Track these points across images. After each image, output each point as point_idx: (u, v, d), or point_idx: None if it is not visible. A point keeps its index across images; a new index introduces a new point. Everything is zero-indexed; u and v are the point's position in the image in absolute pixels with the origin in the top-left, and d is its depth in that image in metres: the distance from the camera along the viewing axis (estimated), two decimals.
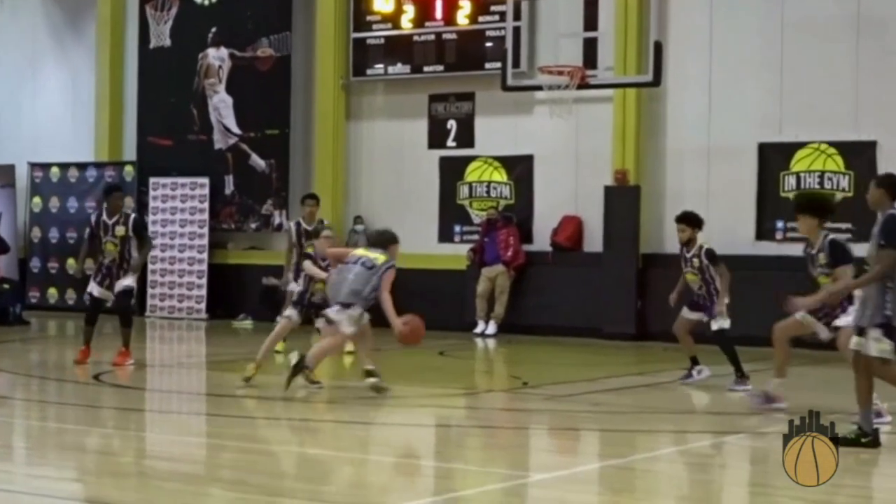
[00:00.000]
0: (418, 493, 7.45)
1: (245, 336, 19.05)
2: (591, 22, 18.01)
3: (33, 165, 23.05)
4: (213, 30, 21.65)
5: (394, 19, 20.02)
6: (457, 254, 19.30)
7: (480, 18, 19.31)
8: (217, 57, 21.64)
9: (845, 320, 10.42)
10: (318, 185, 20.63)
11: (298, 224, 15.55)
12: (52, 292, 22.82)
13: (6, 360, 14.72)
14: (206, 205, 21.39)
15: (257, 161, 21.21)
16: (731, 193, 17.32)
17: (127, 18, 22.69)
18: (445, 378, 13.74)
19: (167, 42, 22.10)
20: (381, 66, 20.23)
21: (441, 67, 19.66)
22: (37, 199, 23.06)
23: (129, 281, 13.92)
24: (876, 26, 16.95)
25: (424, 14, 19.74)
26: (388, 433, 10.12)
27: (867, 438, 8.78)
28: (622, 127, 18.16)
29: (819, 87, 17.17)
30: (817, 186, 17.17)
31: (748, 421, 9.92)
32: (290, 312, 12.76)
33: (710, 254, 12.46)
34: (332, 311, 11.51)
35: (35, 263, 22.95)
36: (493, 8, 19.09)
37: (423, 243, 19.82)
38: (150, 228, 21.85)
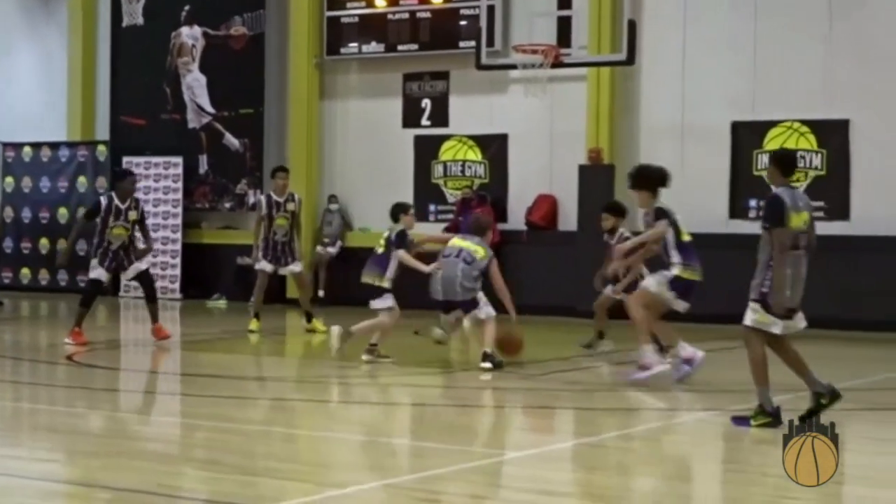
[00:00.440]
0: (393, 472, 7.47)
1: (219, 315, 19.04)
2: (564, 1, 18.04)
3: (5, 145, 22.92)
4: (186, 8, 21.56)
5: None
6: (431, 233, 19.28)
7: None
8: (190, 35, 21.54)
9: (647, 281, 11.27)
10: (292, 165, 20.58)
11: (269, 197, 15.54)
12: (25, 272, 22.73)
13: None
14: (179, 184, 21.33)
15: (231, 140, 21.15)
16: (704, 172, 17.40)
17: None
18: (420, 357, 13.74)
19: (140, 21, 21.98)
20: (355, 44, 20.18)
21: (415, 46, 19.63)
22: (9, 179, 22.94)
23: (145, 265, 14.25)
24: (848, 5, 17.04)
25: None
26: (363, 412, 10.14)
27: (766, 419, 8.83)
28: (596, 106, 18.19)
29: (792, 66, 17.24)
30: None
31: (722, 398, 9.98)
32: (390, 303, 12.50)
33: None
34: (480, 313, 11.98)
35: (8, 244, 22.86)
36: None
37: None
38: None
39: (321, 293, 20.06)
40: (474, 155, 19.43)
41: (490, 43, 17.72)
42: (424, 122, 19.85)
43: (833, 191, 17.04)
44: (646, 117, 18.21)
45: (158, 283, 21.34)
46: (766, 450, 8.32)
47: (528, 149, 18.85)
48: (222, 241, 21.30)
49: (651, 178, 11.33)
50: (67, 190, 22.37)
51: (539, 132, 18.80)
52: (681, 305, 11.10)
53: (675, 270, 11.04)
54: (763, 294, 8.81)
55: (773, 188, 9.09)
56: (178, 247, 21.29)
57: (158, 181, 21.49)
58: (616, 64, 17.44)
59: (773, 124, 17.37)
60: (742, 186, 17.55)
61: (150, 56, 21.77)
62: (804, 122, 17.20)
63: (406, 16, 19.69)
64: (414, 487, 6.91)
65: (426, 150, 19.77)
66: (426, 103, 19.83)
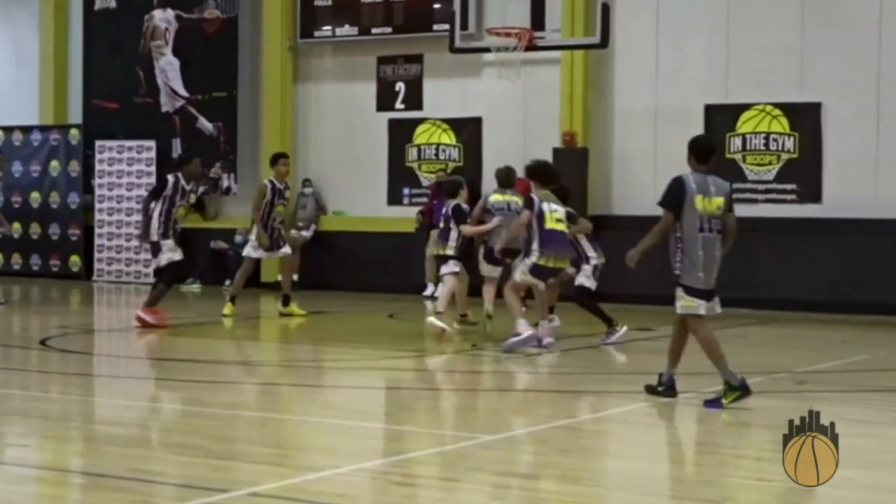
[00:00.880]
0: (367, 455, 7.48)
1: (193, 300, 18.99)
2: None
3: None
4: None
5: None
6: (406, 216, 19.31)
7: None
8: (163, 18, 21.42)
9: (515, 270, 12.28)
10: (266, 148, 20.54)
11: (273, 183, 15.42)
12: None
13: None
14: (153, 168, 21.24)
15: (205, 124, 21.06)
16: (677, 155, 17.07)
17: None
18: (395, 340, 13.76)
19: (112, 4, 21.84)
20: (328, 27, 20.12)
21: (389, 29, 19.59)
22: None
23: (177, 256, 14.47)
24: None
25: None
26: (338, 396, 10.15)
27: (735, 393, 9.00)
28: (570, 89, 18.20)
29: (765, 50, 17.30)
30: (763, 148, 17.33)
31: (695, 381, 10.02)
32: (455, 269, 13.45)
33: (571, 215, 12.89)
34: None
35: None
36: None
37: (372, 206, 19.85)
38: (97, 192, 21.73)
39: (295, 277, 20.00)
40: (448, 138, 19.43)
41: (464, 26, 17.72)
42: (398, 105, 19.82)
43: (805, 174, 17.12)
44: (619, 101, 18.24)
45: (132, 268, 21.34)
46: (741, 431, 8.40)
47: (502, 132, 18.86)
48: (196, 225, 21.15)
49: (532, 171, 12.48)
50: (40, 174, 22.24)
51: (513, 115, 18.81)
52: (541, 285, 12.26)
53: (533, 258, 11.97)
54: (677, 277, 9.01)
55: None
56: None
57: (132, 165, 21.40)
58: (590, 47, 17.46)
59: (745, 107, 17.43)
60: (715, 169, 17.49)
61: (123, 39, 21.64)
62: (777, 106, 17.26)
63: None
64: (389, 471, 6.93)
65: (400, 134, 19.75)
66: (400, 87, 19.80)
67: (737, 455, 7.59)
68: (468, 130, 19.23)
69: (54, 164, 22.06)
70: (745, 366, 11.37)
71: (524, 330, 12.04)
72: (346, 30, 19.97)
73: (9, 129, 22.50)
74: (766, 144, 17.31)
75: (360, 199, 20.05)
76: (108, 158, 21.54)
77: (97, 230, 21.54)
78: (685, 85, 17.75)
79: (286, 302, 15.56)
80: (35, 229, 22.30)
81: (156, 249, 14.30)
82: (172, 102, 21.36)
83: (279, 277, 16.08)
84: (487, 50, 17.53)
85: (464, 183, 14.17)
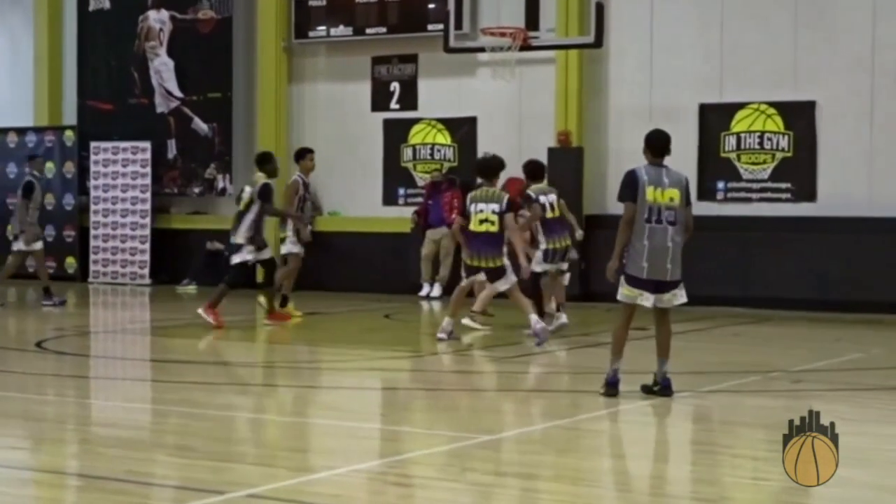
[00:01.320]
0: (364, 456, 7.50)
1: (189, 301, 18.98)
2: None
3: None
4: None
5: None
6: (401, 216, 19.32)
7: None
8: (157, 19, 21.42)
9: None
10: (260, 149, 20.53)
11: (302, 178, 15.36)
12: None
13: None
14: (148, 169, 21.24)
15: (200, 125, 21.06)
16: (672, 154, 17.18)
17: None
18: (391, 341, 13.78)
19: (107, 4, 21.83)
20: (323, 28, 20.13)
21: (384, 29, 19.60)
22: None
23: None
24: None
25: None
26: (334, 396, 10.16)
27: (605, 388, 9.24)
28: (564, 88, 18.22)
29: (759, 48, 17.33)
30: (757, 147, 17.35)
31: (692, 380, 10.05)
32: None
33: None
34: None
35: None
36: None
37: (367, 206, 19.85)
38: (92, 193, 21.71)
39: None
40: (443, 138, 19.44)
41: (458, 26, 17.74)
42: (393, 105, 19.83)
43: (800, 172, 17.15)
44: (614, 100, 18.26)
45: (128, 269, 21.33)
46: (737, 430, 8.40)
47: (498, 132, 18.86)
48: (192, 226, 21.23)
49: (491, 168, 13.14)
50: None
51: (508, 115, 18.83)
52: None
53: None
54: (624, 265, 9.18)
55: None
56: (147, 232, 21.20)
57: (127, 166, 21.39)
58: (584, 47, 17.48)
59: (740, 106, 17.45)
60: (710, 168, 17.63)
61: (118, 40, 21.63)
62: (771, 104, 17.29)
63: None
64: (386, 472, 6.95)
65: (395, 134, 19.76)
66: (395, 87, 19.81)
67: (733, 454, 7.61)
68: (463, 130, 19.24)
69: (49, 165, 22.03)
70: (740, 364, 11.45)
71: (536, 322, 12.43)
72: (341, 30, 19.97)
73: (3, 131, 22.49)
74: (761, 143, 17.34)
75: (355, 199, 20.05)
76: (104, 160, 21.53)
77: (92, 231, 21.54)
78: (680, 84, 17.77)
79: (284, 303, 15.54)
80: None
81: (236, 249, 14.30)
82: (167, 103, 21.36)
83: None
84: (482, 50, 17.54)
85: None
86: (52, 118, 22.43)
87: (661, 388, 9.27)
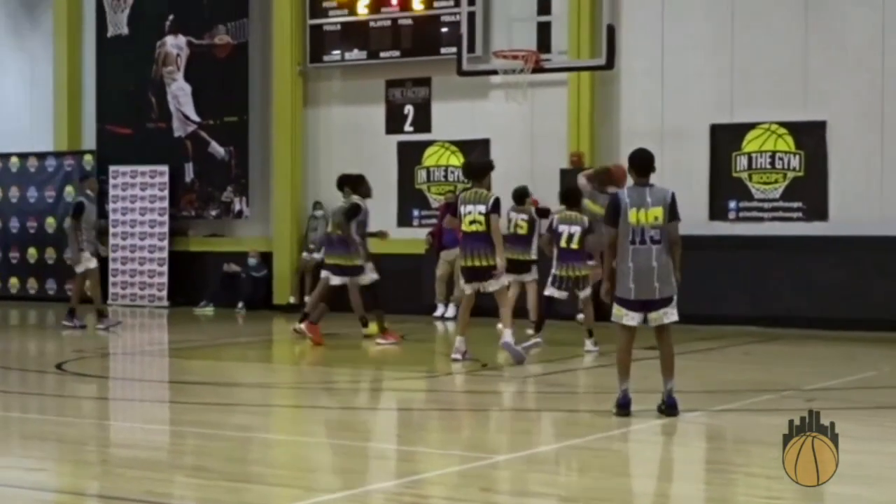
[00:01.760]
0: (379, 477, 7.56)
1: (206, 323, 19.11)
2: (544, 6, 18.21)
3: None
4: (171, 17, 21.65)
5: (350, 5, 20.10)
6: (416, 238, 19.42)
7: (436, 4, 19.44)
8: (175, 45, 21.63)
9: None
10: (276, 172, 20.75)
11: (360, 201, 15.43)
12: (14, 282, 22.81)
13: None
14: (165, 192, 21.42)
15: (216, 148, 21.24)
16: (684, 174, 17.53)
17: (84, 6, 22.64)
18: (406, 361, 13.86)
19: (125, 30, 22.07)
20: (337, 52, 20.30)
21: (397, 53, 19.76)
22: None
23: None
24: (823, 7, 17.21)
25: (380, 0, 19.83)
26: (349, 417, 10.22)
27: (616, 409, 9.35)
28: (577, 110, 18.33)
29: (769, 69, 17.41)
30: (769, 166, 17.43)
31: (704, 399, 10.12)
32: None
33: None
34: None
35: None
36: None
37: (382, 227, 19.90)
38: (111, 217, 21.90)
39: (307, 299, 20.14)
40: (457, 160, 19.55)
41: (471, 49, 17.88)
42: (407, 128, 19.97)
43: (811, 191, 17.21)
44: (626, 121, 18.35)
45: (146, 291, 21.49)
46: (750, 449, 8.39)
47: (510, 153, 18.95)
48: (209, 248, 21.39)
49: (478, 169, 13.35)
50: (55, 199, 22.45)
51: (520, 137, 18.94)
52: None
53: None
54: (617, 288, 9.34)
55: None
56: (165, 255, 21.38)
57: (145, 189, 21.58)
58: (596, 69, 17.59)
59: (751, 126, 17.53)
60: (721, 188, 17.71)
61: (136, 65, 21.85)
62: (782, 124, 17.37)
63: (388, 23, 19.82)
64: (401, 492, 6.98)
65: (409, 156, 19.89)
66: (409, 109, 19.96)
67: (747, 473, 7.62)
68: (476, 152, 19.34)
69: (69, 189, 22.25)
70: (753, 383, 11.49)
71: (508, 337, 12.74)
72: (355, 54, 20.15)
73: (24, 156, 22.71)
74: (772, 163, 17.41)
75: (371, 221, 20.14)
76: (122, 183, 21.73)
77: (111, 254, 21.72)
78: (691, 105, 17.87)
79: (365, 323, 15.46)
80: (50, 254, 22.49)
81: (359, 271, 14.63)
82: (184, 127, 21.56)
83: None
84: (495, 72, 17.66)
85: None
86: (72, 143, 22.64)
87: (667, 408, 9.34)
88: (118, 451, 8.48)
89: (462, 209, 12.81)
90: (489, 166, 13.39)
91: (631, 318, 9.26)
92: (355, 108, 20.40)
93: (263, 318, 19.22)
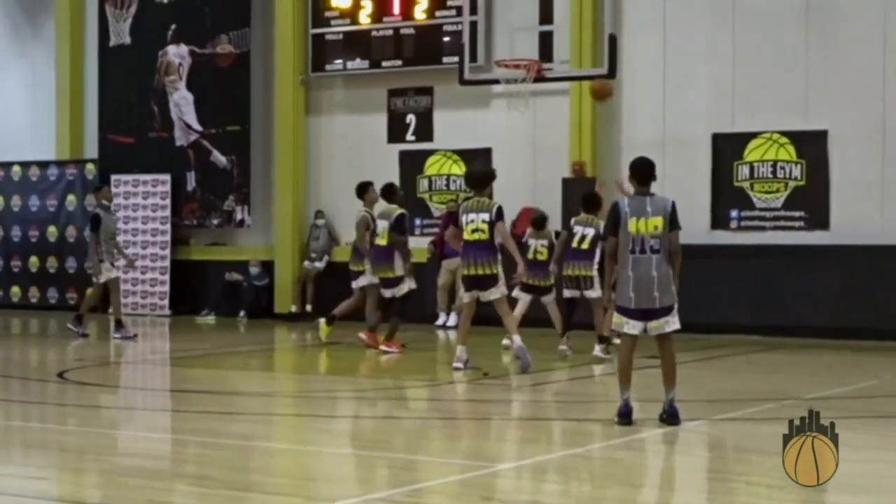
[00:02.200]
0: (380, 485, 7.57)
1: (208, 331, 19.13)
2: (546, 15, 18.23)
3: None
4: (173, 27, 21.69)
5: (352, 15, 20.15)
6: (417, 247, 19.36)
7: (437, 13, 19.48)
8: (177, 54, 21.68)
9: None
10: (278, 181, 20.78)
11: (369, 212, 15.49)
12: (16, 290, 22.83)
13: None
14: (167, 201, 21.44)
15: (218, 157, 21.27)
16: (686, 184, 17.56)
17: (86, 16, 22.69)
18: (407, 370, 13.87)
19: (127, 40, 22.11)
20: (339, 61, 20.34)
21: (399, 62, 19.79)
22: None
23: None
24: (824, 16, 17.24)
25: (382, 9, 19.88)
26: (351, 426, 10.24)
27: (618, 418, 9.35)
28: (578, 119, 18.36)
29: (771, 78, 17.44)
30: (770, 175, 17.45)
31: (706, 408, 10.12)
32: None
33: None
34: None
35: None
36: (449, 3, 19.26)
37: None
38: None
39: (308, 308, 20.21)
40: (458, 169, 19.58)
41: (473, 58, 17.92)
42: (409, 137, 20.01)
43: (812, 201, 17.23)
44: (627, 130, 18.38)
45: (148, 300, 21.50)
46: (752, 458, 8.40)
47: (512, 162, 18.98)
48: (210, 257, 21.41)
49: (482, 179, 13.29)
50: (56, 208, 22.48)
51: (522, 146, 18.97)
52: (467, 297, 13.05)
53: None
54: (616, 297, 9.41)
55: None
56: (167, 263, 21.40)
57: (147, 198, 21.61)
58: (598, 78, 17.58)
59: (752, 136, 17.56)
60: (723, 197, 17.73)
61: (138, 75, 21.90)
62: (783, 134, 17.39)
63: (390, 32, 19.86)
64: (402, 501, 6.98)
65: (411, 165, 19.92)
66: (411, 118, 19.99)
67: (748, 482, 7.62)
68: (478, 161, 19.35)
69: (71, 198, 22.29)
70: (755, 392, 11.50)
71: (518, 343, 12.74)
72: (357, 63, 20.19)
73: (26, 164, 22.74)
74: (774, 172, 17.44)
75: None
76: (124, 192, 21.75)
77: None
78: (692, 114, 17.89)
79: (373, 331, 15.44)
80: (52, 263, 22.51)
81: (398, 282, 14.65)
82: (186, 136, 21.59)
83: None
84: (497, 82, 17.70)
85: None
86: (74, 152, 22.67)
87: (668, 417, 9.34)
88: (120, 460, 8.50)
89: (464, 218, 12.82)
90: (491, 175, 13.39)
91: (631, 327, 9.27)
92: (357, 118, 20.43)
93: (265, 327, 19.24)
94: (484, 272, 12.70)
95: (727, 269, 17.12)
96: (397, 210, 14.88)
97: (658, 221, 9.27)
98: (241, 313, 20.43)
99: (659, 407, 9.45)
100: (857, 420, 9.96)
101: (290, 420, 10.56)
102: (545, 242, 14.64)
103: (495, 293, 12.78)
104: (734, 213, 17.64)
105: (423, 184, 19.88)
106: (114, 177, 21.79)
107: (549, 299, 14.57)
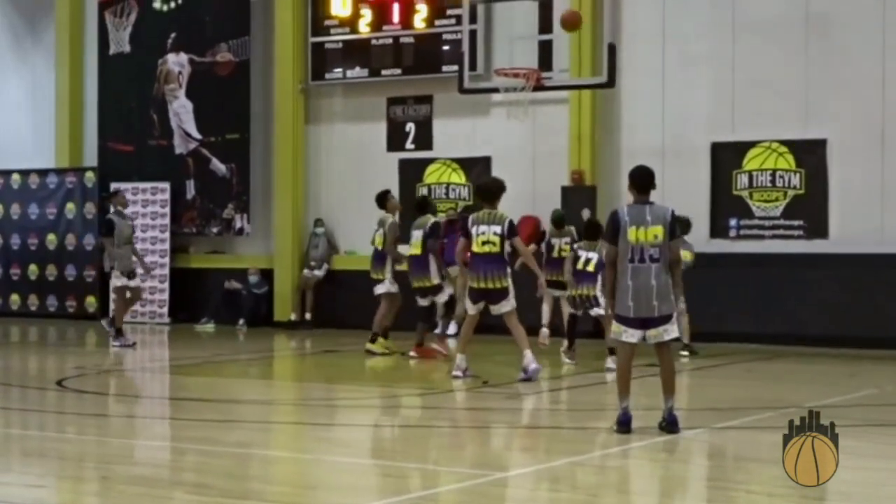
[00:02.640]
0: (380, 494, 7.57)
1: (207, 339, 19.12)
2: (545, 24, 18.23)
3: None
4: (173, 35, 21.71)
5: (352, 23, 20.17)
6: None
7: (437, 22, 19.49)
8: (176, 62, 21.70)
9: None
10: (278, 189, 20.79)
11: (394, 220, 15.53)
12: (15, 298, 22.82)
13: None
14: (167, 209, 21.45)
15: (218, 165, 21.28)
16: (685, 192, 17.55)
17: (86, 25, 22.71)
18: (406, 378, 13.87)
19: (127, 48, 22.13)
20: (339, 69, 20.36)
21: (399, 71, 19.81)
22: None
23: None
24: (824, 25, 17.26)
25: (382, 18, 19.90)
26: (350, 434, 10.24)
27: (617, 426, 9.38)
28: (578, 128, 18.37)
29: (770, 87, 17.46)
30: (769, 184, 17.46)
31: (706, 416, 10.12)
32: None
33: None
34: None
35: None
36: (449, 11, 19.26)
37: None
38: None
39: (308, 316, 20.21)
40: (458, 178, 19.60)
41: (472, 67, 17.94)
42: (409, 145, 20.02)
43: (812, 209, 17.24)
44: (627, 139, 18.39)
45: (147, 308, 21.50)
46: (751, 467, 8.41)
47: (511, 171, 18.89)
48: (210, 265, 21.41)
49: (492, 190, 13.15)
50: (56, 216, 22.48)
51: (522, 154, 18.97)
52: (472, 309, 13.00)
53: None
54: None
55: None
56: (167, 271, 21.40)
57: (146, 206, 21.61)
58: (597, 87, 17.62)
59: (752, 145, 17.57)
60: (722, 206, 17.74)
61: (137, 83, 21.91)
62: (782, 143, 17.41)
63: (389, 41, 19.88)
64: None
65: (411, 174, 19.92)
66: (410, 127, 20.01)
67: (747, 490, 7.62)
68: (478, 170, 19.38)
69: (70, 206, 22.30)
70: (754, 400, 11.50)
71: (529, 359, 12.64)
72: (357, 72, 20.21)
73: (25, 172, 22.75)
74: (773, 181, 17.45)
75: (371, 238, 20.18)
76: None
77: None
78: (692, 123, 17.91)
79: (374, 339, 15.53)
80: (51, 271, 22.51)
81: (436, 290, 14.78)
82: (186, 144, 21.61)
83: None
84: (496, 90, 17.72)
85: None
86: (73, 160, 22.68)
87: (667, 425, 9.34)
88: (118, 468, 8.49)
89: (475, 230, 12.75)
90: (502, 188, 13.24)
91: (630, 335, 9.28)
92: (357, 126, 20.45)
93: (264, 335, 19.23)
94: (494, 286, 12.66)
95: (726, 277, 17.13)
96: (431, 219, 15.09)
97: (658, 230, 9.28)
98: (241, 321, 20.43)
99: (657, 415, 9.45)
100: (856, 428, 9.94)
101: (289, 428, 10.56)
102: (567, 240, 14.94)
103: (506, 306, 12.76)
104: (733, 222, 17.66)
105: (423, 192, 19.87)
106: (113, 185, 21.74)
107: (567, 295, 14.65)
